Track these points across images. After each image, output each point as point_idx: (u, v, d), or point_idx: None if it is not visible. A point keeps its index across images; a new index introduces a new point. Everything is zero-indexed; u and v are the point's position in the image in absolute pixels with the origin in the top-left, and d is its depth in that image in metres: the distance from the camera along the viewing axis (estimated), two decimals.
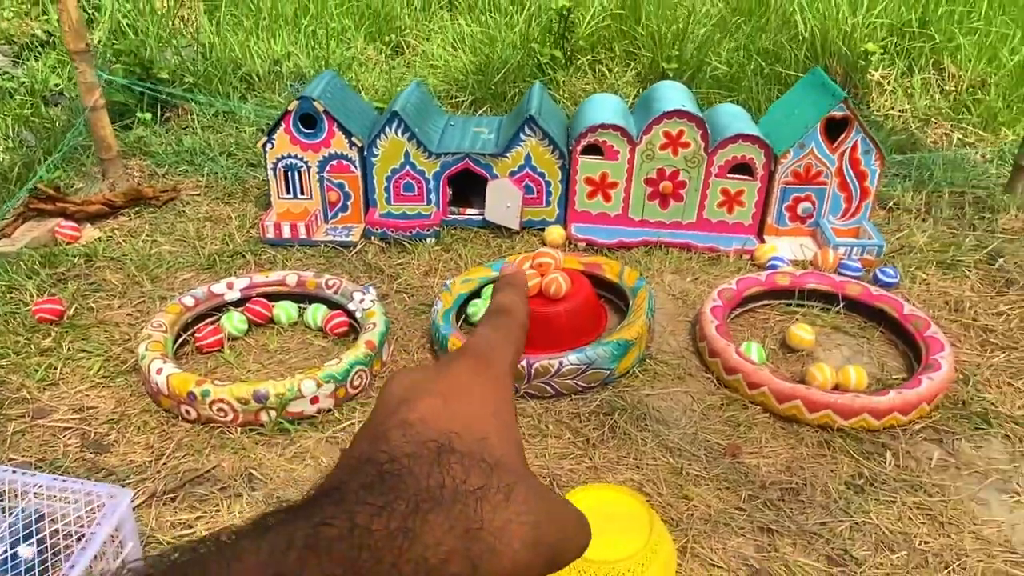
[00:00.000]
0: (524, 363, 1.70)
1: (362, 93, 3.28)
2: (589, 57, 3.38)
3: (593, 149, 2.29)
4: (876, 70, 3.16)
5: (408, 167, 2.32)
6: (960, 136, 2.98)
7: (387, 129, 2.26)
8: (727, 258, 2.27)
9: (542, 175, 2.33)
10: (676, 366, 1.85)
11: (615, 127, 2.25)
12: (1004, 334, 1.96)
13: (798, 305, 2.05)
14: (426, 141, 2.29)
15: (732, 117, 2.36)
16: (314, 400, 1.67)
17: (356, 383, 1.73)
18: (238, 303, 1.99)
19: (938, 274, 2.20)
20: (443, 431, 0.32)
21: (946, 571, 1.34)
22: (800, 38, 3.18)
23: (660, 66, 3.05)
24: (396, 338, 1.95)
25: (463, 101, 3.11)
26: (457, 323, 1.96)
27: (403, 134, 2.27)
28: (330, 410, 1.70)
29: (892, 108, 3.11)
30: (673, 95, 2.34)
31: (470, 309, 2.00)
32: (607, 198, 2.36)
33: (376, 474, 0.30)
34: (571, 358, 1.73)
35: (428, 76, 3.42)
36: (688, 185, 2.32)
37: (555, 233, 2.33)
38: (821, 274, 2.07)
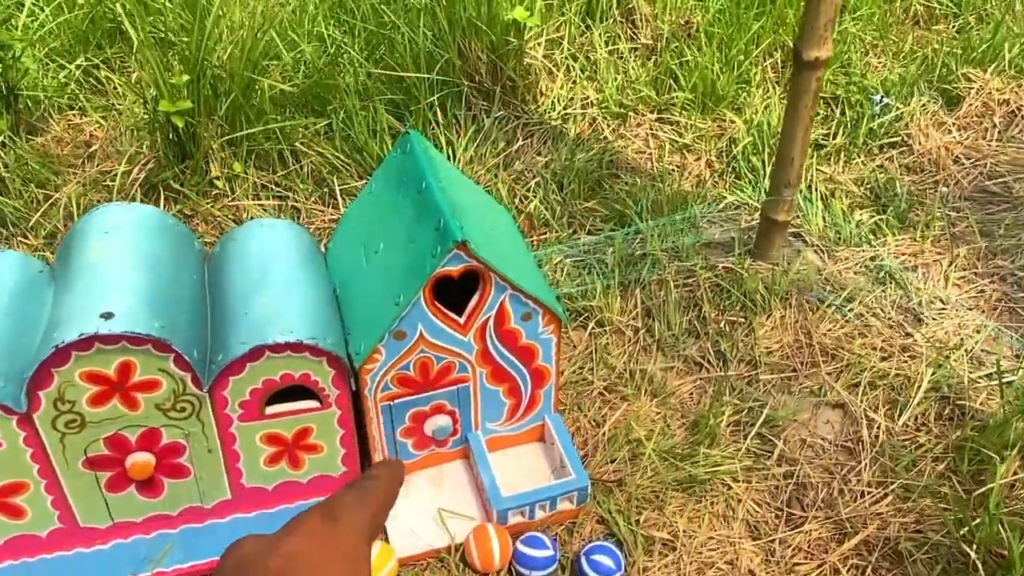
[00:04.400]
0: None
1: None
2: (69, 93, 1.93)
3: None
4: (536, 48, 2.02)
5: None
6: (672, 137, 1.97)
7: None
8: None
9: None
10: None
11: None
12: None
13: None
14: None
15: (249, 281, 1.12)
16: None
17: None
18: None
19: (682, 521, 1.19)
20: None
21: None
22: (415, 11, 1.93)
23: (166, 115, 1.62)
24: None
25: None
26: None
27: None
28: None
29: (571, 104, 2.01)
30: (94, 273, 1.04)
31: None
32: (15, 512, 1.07)
33: None
34: None
35: None
36: (190, 446, 1.08)
37: None
38: None
